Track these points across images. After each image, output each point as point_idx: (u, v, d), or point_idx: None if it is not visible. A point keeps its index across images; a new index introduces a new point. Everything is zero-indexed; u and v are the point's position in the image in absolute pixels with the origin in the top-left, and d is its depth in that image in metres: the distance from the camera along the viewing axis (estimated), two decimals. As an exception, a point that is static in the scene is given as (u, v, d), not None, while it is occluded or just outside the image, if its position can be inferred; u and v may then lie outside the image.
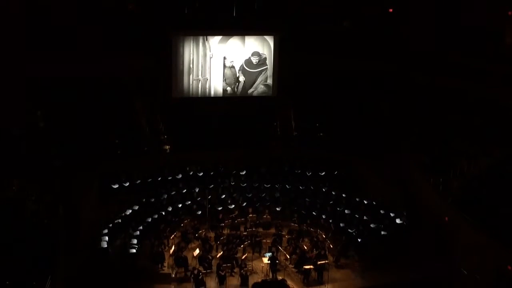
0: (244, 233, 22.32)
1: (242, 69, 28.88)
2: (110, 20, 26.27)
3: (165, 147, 27.09)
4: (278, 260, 20.20)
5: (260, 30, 28.61)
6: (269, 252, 20.52)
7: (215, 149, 26.91)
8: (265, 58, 29.08)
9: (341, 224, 22.79)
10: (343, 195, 25.03)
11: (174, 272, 19.87)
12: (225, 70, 28.56)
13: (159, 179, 25.35)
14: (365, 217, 23.18)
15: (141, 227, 21.61)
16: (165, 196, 24.31)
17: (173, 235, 21.95)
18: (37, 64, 24.52)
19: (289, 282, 18.97)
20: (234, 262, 20.06)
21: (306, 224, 23.13)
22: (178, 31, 27.68)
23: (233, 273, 19.79)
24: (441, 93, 26.50)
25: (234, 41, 28.37)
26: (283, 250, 21.10)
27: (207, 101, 28.86)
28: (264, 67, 29.15)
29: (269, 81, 29.42)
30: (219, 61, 28.45)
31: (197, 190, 25.03)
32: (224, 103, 28.89)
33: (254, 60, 28.91)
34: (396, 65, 28.52)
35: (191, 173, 26.09)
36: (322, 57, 28.74)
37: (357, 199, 24.56)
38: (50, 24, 25.03)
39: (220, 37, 28.06)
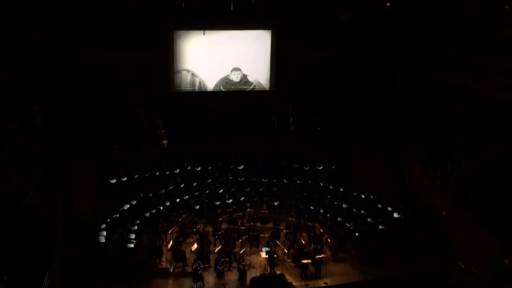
0: (242, 228, 22.33)
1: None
2: (108, 14, 26.15)
3: (163, 142, 27.06)
4: (276, 254, 20.25)
5: (257, 24, 28.54)
6: (267, 246, 20.56)
7: (213, 143, 26.88)
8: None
9: (339, 218, 22.84)
10: (341, 189, 25.06)
11: (172, 267, 19.90)
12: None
13: (157, 173, 25.34)
14: (362, 211, 23.22)
15: (139, 222, 21.64)
16: (163, 190, 24.33)
17: (171, 230, 21.97)
18: (36, 58, 24.44)
19: (287, 277, 18.91)
20: (232, 257, 20.08)
21: (303, 219, 23.15)
22: (176, 25, 27.60)
23: (231, 268, 19.82)
24: (440, 86, 26.49)
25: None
26: (281, 245, 21.12)
27: (204, 95, 28.82)
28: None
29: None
30: (215, 55, 28.46)
31: (195, 184, 25.05)
32: (221, 97, 28.85)
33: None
34: (395, 58, 28.49)
35: (188, 168, 26.08)
36: (320, 51, 28.69)
37: (354, 193, 24.60)
38: (48, 18, 24.90)
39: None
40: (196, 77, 28.29)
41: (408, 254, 20.46)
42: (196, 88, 28.54)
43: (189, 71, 28.17)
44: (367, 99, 28.74)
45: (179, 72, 28.09)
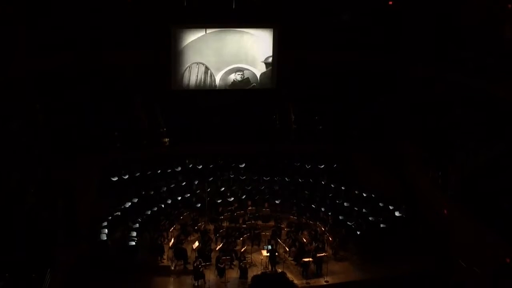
0: (243, 226, 22.31)
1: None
2: (109, 12, 26.16)
3: (164, 140, 27.08)
4: (277, 252, 20.24)
5: (259, 23, 28.53)
6: (268, 244, 20.55)
7: (214, 142, 26.89)
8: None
9: (340, 217, 22.81)
10: (342, 187, 25.04)
11: (173, 265, 19.90)
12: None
13: (158, 172, 25.37)
14: (364, 210, 23.20)
15: (140, 220, 21.63)
16: (164, 188, 24.34)
17: (172, 228, 21.94)
18: (37, 58, 24.45)
19: (288, 275, 18.91)
20: (233, 255, 20.09)
21: (305, 217, 23.15)
22: (177, 23, 27.59)
23: (232, 266, 19.84)
24: (440, 86, 26.45)
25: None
26: (282, 243, 21.11)
27: (206, 94, 28.81)
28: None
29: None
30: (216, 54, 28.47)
31: (196, 182, 25.05)
32: (223, 95, 28.85)
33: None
34: (396, 58, 28.46)
35: (190, 166, 26.09)
36: (321, 50, 28.68)
37: (356, 192, 24.58)
38: (50, 17, 24.92)
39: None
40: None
41: (410, 253, 20.42)
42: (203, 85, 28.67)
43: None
44: (367, 99, 28.70)
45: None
